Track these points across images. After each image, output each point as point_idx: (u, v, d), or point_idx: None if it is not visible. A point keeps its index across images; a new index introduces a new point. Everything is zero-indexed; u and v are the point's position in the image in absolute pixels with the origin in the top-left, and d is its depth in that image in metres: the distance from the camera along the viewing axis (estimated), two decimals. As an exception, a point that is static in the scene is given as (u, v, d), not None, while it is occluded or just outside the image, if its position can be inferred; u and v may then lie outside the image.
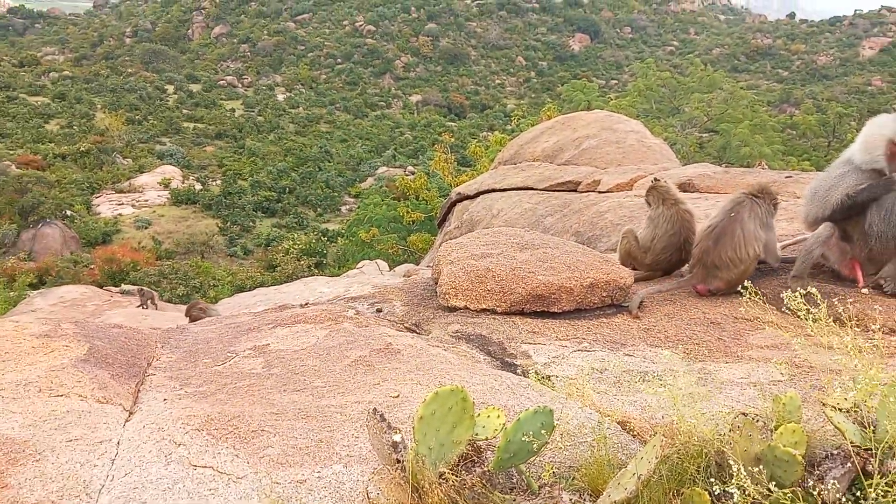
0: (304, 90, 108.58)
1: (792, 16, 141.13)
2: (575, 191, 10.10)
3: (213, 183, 64.20)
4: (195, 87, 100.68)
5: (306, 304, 4.87)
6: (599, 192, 9.47)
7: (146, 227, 51.60)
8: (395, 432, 2.08)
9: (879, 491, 1.77)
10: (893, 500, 1.79)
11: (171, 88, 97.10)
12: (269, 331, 4.05)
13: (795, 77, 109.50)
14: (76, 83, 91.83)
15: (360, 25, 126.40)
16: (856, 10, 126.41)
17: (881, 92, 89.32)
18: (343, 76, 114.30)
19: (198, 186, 61.47)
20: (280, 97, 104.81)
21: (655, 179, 5.13)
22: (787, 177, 7.89)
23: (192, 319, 8.97)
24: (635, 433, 2.59)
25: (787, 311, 2.36)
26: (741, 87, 37.77)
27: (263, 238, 52.05)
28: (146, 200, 57.59)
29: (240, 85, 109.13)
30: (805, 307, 2.30)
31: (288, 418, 2.67)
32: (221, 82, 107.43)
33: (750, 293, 2.83)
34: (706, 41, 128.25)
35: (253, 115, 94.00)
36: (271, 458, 2.39)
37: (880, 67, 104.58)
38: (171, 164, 67.40)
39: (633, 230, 5.09)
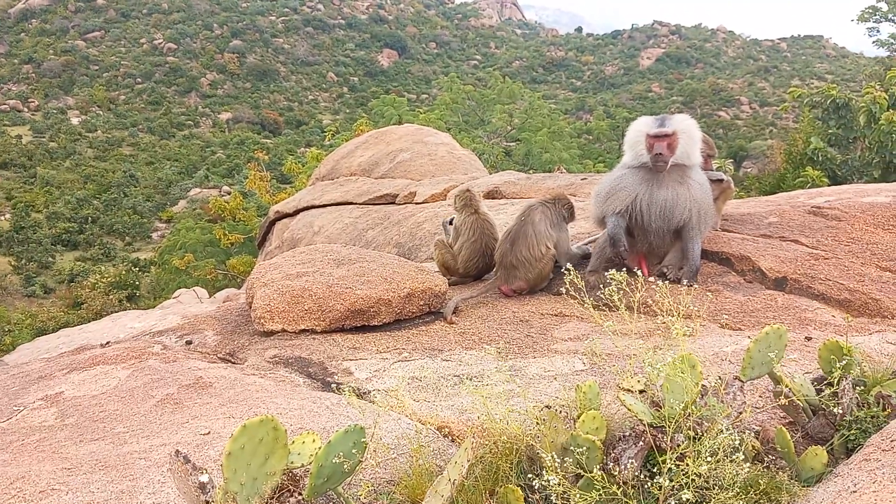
0: (101, 112, 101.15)
1: (580, 30, 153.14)
2: (393, 203, 10.24)
3: (2, 217, 57.94)
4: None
5: (107, 343, 4.48)
6: (416, 204, 9.67)
7: (-82, 273, 45.64)
8: (202, 473, 1.95)
9: (670, 465, 1.92)
10: (683, 472, 1.94)
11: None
12: (63, 377, 3.68)
13: (587, 86, 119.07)
14: None
15: (160, 43, 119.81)
16: (633, 24, 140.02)
17: (660, 97, 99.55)
18: (144, 96, 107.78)
19: (-18, 223, 55.21)
20: (74, 120, 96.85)
21: (466, 190, 5.34)
22: (582, 179, 8.53)
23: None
24: (453, 437, 2.63)
25: (590, 303, 2.50)
26: (540, 97, 40.12)
27: (66, 274, 47.85)
28: (-85, 243, 50.85)
29: (25, 109, 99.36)
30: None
31: (83, 472, 2.42)
32: (3, 107, 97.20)
33: (567, 287, 2.69)
34: (506, 54, 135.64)
35: (44, 141, 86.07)
36: (63, 519, 2.16)
37: (657, 75, 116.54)
38: (-55, 199, 60.22)
39: (444, 240, 5.24)
